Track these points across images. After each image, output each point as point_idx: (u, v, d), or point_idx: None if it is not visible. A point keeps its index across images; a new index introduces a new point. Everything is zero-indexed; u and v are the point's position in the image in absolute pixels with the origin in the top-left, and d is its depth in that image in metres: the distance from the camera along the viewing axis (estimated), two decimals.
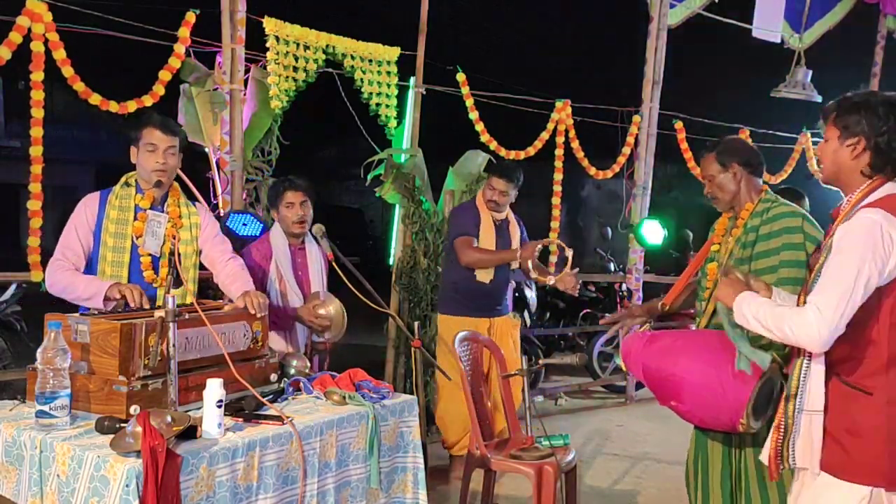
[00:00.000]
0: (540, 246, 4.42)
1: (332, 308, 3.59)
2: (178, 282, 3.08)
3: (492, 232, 4.67)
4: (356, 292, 3.62)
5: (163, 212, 3.21)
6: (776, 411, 2.43)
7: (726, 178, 3.07)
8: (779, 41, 7.31)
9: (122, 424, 2.27)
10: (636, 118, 6.95)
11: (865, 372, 2.21)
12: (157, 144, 3.12)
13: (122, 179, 3.22)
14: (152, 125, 3.15)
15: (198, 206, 3.39)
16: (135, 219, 3.16)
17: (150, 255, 3.16)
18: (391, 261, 5.94)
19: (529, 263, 4.30)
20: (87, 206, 3.18)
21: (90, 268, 3.15)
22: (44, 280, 3.22)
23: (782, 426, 2.33)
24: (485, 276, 4.62)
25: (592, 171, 7.00)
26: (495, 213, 4.68)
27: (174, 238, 3.19)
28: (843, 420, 2.22)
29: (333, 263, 3.60)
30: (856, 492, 2.21)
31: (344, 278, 3.66)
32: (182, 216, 3.26)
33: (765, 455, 2.43)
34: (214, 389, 2.32)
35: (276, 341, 3.65)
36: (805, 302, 2.22)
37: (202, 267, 3.36)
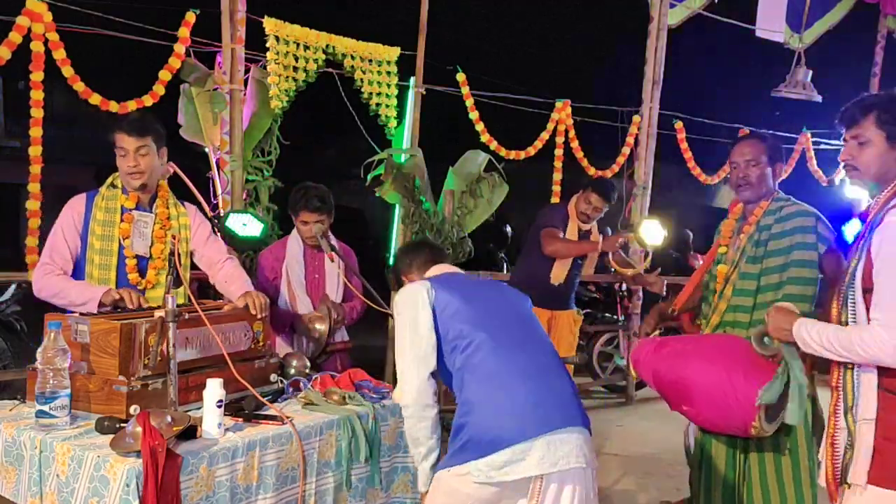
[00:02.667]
0: (622, 240, 4.67)
1: (324, 327, 3.58)
2: (177, 282, 3.05)
3: (575, 237, 4.90)
4: (356, 292, 3.63)
5: (150, 212, 3.15)
6: (823, 424, 2.36)
7: (768, 171, 3.07)
8: (782, 40, 7.31)
9: (122, 424, 2.27)
10: (636, 118, 6.95)
11: None
12: (126, 148, 3.02)
13: (109, 180, 3.15)
14: (119, 129, 3.04)
15: (187, 206, 3.31)
16: (121, 220, 3.09)
17: (136, 256, 3.08)
18: (391, 261, 5.94)
19: (611, 255, 4.68)
20: (74, 208, 3.10)
21: (77, 270, 3.07)
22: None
23: (839, 441, 2.23)
24: (558, 278, 4.86)
25: (592, 171, 7.00)
26: (582, 224, 4.83)
27: (174, 238, 3.15)
28: (884, 428, 2.14)
29: (333, 263, 3.61)
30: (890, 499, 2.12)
31: (344, 278, 3.67)
32: (171, 217, 3.19)
33: (822, 476, 2.32)
34: (214, 389, 2.32)
35: (282, 343, 3.65)
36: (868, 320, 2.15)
37: (195, 267, 3.32)
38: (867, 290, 2.13)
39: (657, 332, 3.30)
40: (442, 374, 2.51)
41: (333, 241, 3.72)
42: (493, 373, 2.36)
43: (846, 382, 2.21)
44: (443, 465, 2.38)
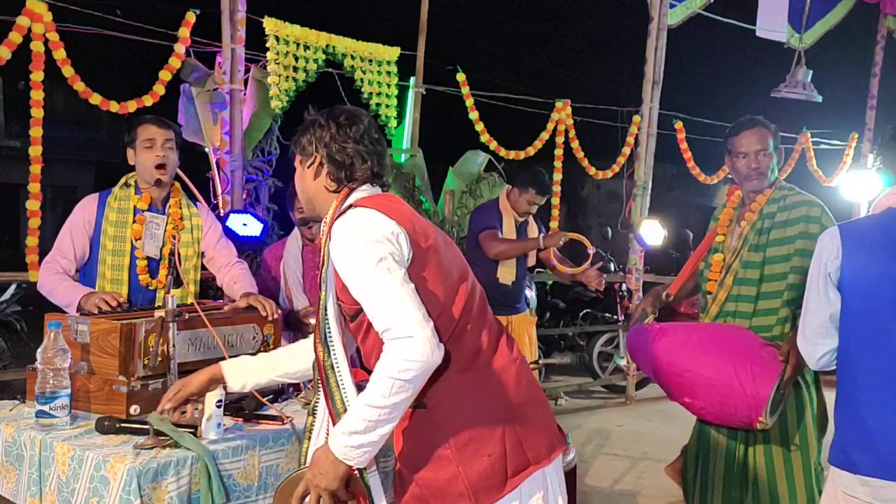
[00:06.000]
0: (565, 237, 4.62)
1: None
2: (178, 282, 3.05)
3: (513, 232, 4.82)
4: None
5: (163, 213, 3.16)
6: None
7: (775, 160, 3.04)
8: (783, 40, 7.31)
9: (122, 424, 2.27)
10: (636, 118, 6.95)
11: None
12: (154, 139, 3.06)
13: (122, 180, 3.15)
14: (146, 121, 3.11)
15: (199, 206, 3.32)
16: (133, 221, 3.09)
17: (146, 258, 3.09)
18: None
19: (552, 252, 4.57)
20: (85, 208, 3.11)
21: (90, 269, 3.09)
22: None
23: None
24: (507, 277, 4.72)
25: (592, 171, 7.00)
26: (518, 217, 4.80)
27: (174, 238, 3.15)
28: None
29: None
30: None
31: None
32: (184, 217, 3.20)
33: None
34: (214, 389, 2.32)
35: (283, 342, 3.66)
36: None
37: (203, 268, 3.33)
38: (353, 317, 1.97)
39: (651, 318, 3.26)
40: None
41: None
42: None
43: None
44: None
